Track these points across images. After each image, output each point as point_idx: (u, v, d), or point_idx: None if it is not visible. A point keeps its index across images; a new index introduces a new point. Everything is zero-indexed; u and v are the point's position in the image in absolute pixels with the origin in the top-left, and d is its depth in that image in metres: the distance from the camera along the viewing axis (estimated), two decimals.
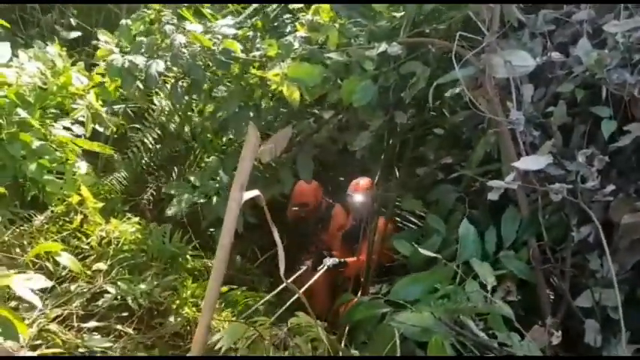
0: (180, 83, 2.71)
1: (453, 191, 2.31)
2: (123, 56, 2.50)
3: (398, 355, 1.63)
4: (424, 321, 1.66)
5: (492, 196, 1.75)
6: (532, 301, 1.87)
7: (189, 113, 3.14)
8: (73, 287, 2.33)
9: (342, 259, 3.20)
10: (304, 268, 3.26)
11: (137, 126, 3.19)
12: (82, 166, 2.56)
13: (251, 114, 2.74)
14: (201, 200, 2.83)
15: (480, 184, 2.31)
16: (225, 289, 2.84)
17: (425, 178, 2.77)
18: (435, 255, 1.73)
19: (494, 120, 1.93)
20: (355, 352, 1.78)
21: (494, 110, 1.88)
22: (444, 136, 2.81)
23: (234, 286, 2.88)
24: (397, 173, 3.01)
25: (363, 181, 3.42)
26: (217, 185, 2.84)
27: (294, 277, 3.06)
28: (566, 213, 1.84)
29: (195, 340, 1.56)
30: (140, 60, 2.48)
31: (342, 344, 2.00)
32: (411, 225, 3.54)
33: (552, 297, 1.91)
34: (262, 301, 2.64)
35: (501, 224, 1.89)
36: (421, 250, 1.75)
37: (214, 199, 2.79)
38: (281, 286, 2.70)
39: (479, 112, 1.86)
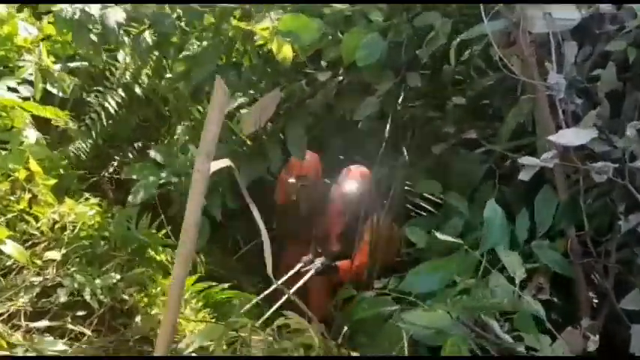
0: (144, 36, 2.68)
1: (480, 163, 2.30)
2: (72, 5, 2.47)
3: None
4: (439, 321, 1.68)
5: (524, 175, 1.76)
6: (568, 301, 1.89)
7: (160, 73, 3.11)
8: (19, 280, 2.33)
9: (334, 264, 3.23)
10: (300, 265, 3.29)
11: (98, 88, 3.16)
12: (31, 135, 2.54)
13: (231, 75, 2.73)
14: (172, 180, 2.82)
15: (510, 162, 2.32)
16: (202, 285, 2.86)
17: (442, 156, 2.77)
18: (456, 240, 1.73)
19: (529, 85, 1.92)
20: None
21: (529, 73, 1.87)
22: (467, 105, 2.80)
23: (213, 283, 2.89)
24: (405, 151, 3.00)
25: (357, 170, 3.44)
26: (187, 162, 2.83)
27: (288, 275, 3.10)
28: (612, 198, 1.85)
29: (158, 342, 1.59)
30: (95, 9, 2.46)
31: (341, 348, 2.02)
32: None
33: (593, 297, 1.92)
34: (253, 302, 2.65)
35: (535, 208, 1.89)
36: (439, 236, 1.75)
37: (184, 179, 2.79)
38: (272, 287, 2.74)
39: (511, 75, 1.85)
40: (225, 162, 1.62)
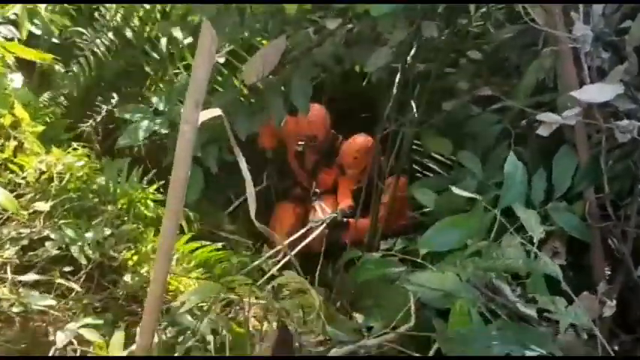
0: None
1: (495, 123, 2.31)
2: None
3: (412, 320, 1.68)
4: (447, 283, 1.71)
5: (543, 131, 1.76)
6: (583, 266, 1.92)
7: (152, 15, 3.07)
8: (5, 232, 2.35)
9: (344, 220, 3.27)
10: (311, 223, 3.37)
11: (84, 31, 3.12)
12: (16, 79, 2.53)
13: (233, 21, 2.69)
14: (164, 130, 2.81)
15: (527, 121, 2.32)
16: (194, 244, 2.89)
17: (454, 114, 2.77)
18: (473, 196, 1.75)
19: (552, 37, 1.91)
20: (359, 320, 1.84)
21: (553, 23, 1.86)
22: (483, 59, 2.79)
23: (206, 242, 2.92)
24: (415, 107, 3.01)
25: (361, 139, 3.48)
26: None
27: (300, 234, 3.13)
28: (635, 160, 1.87)
29: (148, 300, 1.62)
30: None
31: (345, 311, 2.06)
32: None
33: (609, 262, 1.95)
34: (257, 262, 2.66)
35: (553, 169, 1.91)
36: (456, 190, 1.76)
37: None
38: (274, 250, 2.77)
39: (533, 25, 1.84)
40: (215, 112, 1.63)
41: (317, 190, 3.81)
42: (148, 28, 3.15)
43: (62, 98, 3.14)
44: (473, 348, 1.38)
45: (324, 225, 3.39)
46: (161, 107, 2.83)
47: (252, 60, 2.72)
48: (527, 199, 1.85)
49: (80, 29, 3.08)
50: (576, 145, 1.91)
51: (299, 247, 2.96)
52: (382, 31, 2.43)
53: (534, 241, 1.61)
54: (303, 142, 3.64)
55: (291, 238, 3.06)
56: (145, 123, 2.71)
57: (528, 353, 1.38)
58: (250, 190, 1.61)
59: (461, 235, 1.74)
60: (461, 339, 1.41)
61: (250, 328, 2.13)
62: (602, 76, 1.84)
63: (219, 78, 3.06)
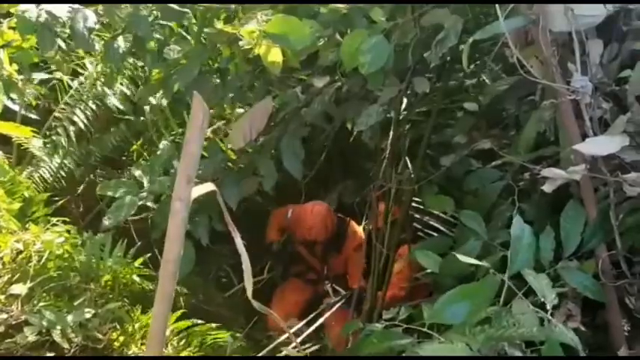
0: (118, 41, 2.69)
1: (497, 179, 2.33)
2: (38, 6, 2.47)
3: None
4: (457, 354, 1.68)
5: (548, 187, 1.78)
6: (600, 328, 1.90)
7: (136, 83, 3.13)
8: None
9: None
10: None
11: (65, 101, 3.17)
12: None
13: (215, 82, 2.73)
14: (150, 203, 2.81)
15: (530, 175, 2.35)
16: (186, 323, 2.86)
17: (453, 170, 2.80)
18: (480, 263, 1.74)
19: (550, 89, 1.95)
20: None
21: (550, 75, 1.90)
22: (480, 112, 2.84)
23: (199, 321, 2.89)
24: (409, 164, 3.05)
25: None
26: (170, 182, 2.83)
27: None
28: None
29: None
30: (62, 11, 2.46)
31: None
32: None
33: (627, 323, 1.94)
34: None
35: (561, 226, 1.91)
36: (461, 258, 1.76)
37: (166, 200, 2.78)
38: (283, 336, 2.75)
39: (530, 77, 1.88)
40: (208, 187, 1.64)
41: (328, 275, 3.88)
42: (129, 94, 3.20)
43: (42, 172, 3.16)
44: None
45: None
46: (145, 181, 2.84)
47: (238, 123, 2.75)
48: (536, 260, 1.85)
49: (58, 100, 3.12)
50: (583, 200, 1.92)
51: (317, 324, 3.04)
52: (372, 88, 2.47)
53: (547, 307, 1.60)
54: (302, 247, 3.78)
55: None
56: (129, 199, 2.71)
57: None
58: (247, 267, 1.60)
59: (471, 305, 1.72)
60: None
61: None
62: (605, 127, 1.86)
63: (205, 143, 3.09)
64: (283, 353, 2.38)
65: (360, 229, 3.79)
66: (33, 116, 3.00)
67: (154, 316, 1.55)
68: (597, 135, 1.83)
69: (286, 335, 2.59)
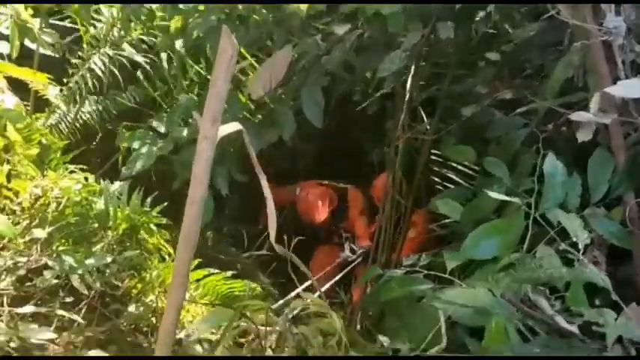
0: None
1: (521, 126, 2.27)
2: None
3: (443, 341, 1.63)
4: (480, 299, 1.66)
5: (582, 136, 1.72)
6: (620, 284, 1.86)
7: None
8: (1, 260, 2.32)
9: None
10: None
11: (83, 48, 3.11)
12: (8, 100, 2.51)
13: (236, 31, 2.67)
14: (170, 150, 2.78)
15: (555, 123, 2.29)
16: (202, 272, 2.86)
17: (474, 120, 2.74)
18: (511, 199, 1.70)
19: (580, 31, 1.88)
20: (385, 342, 1.78)
21: (581, 16, 1.83)
22: (503, 60, 2.77)
23: (215, 270, 2.89)
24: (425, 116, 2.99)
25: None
26: (190, 130, 2.80)
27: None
28: None
29: (161, 330, 1.57)
30: None
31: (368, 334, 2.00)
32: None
33: None
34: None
35: (588, 172, 1.86)
36: (492, 194, 1.71)
37: (186, 149, 2.76)
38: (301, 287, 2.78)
39: (562, 18, 1.81)
40: (234, 126, 1.60)
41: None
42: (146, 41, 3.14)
43: (59, 120, 3.13)
44: None
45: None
46: (162, 130, 2.81)
47: (258, 73, 2.71)
48: (562, 206, 1.81)
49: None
50: (612, 146, 1.87)
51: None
52: (395, 31, 2.40)
53: (580, 247, 1.56)
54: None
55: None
56: (147, 149, 2.68)
57: None
58: (271, 209, 1.56)
59: (503, 240, 1.69)
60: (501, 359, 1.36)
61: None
62: (638, 71, 1.81)
63: None
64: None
65: (360, 195, 3.96)
66: (51, 60, 2.94)
67: (177, 258, 1.53)
68: (629, 78, 1.78)
69: (303, 287, 2.57)
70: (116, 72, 3.12)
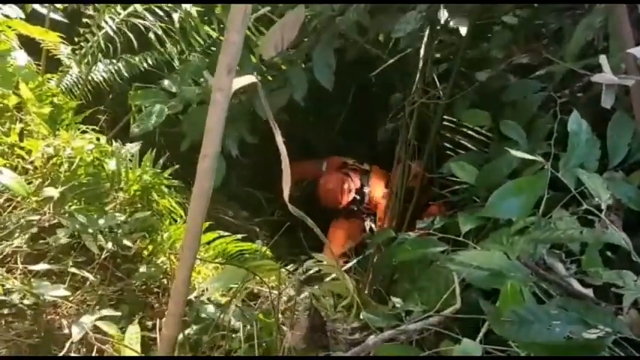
0: None
1: (538, 90, 2.22)
2: None
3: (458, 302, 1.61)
4: (494, 262, 1.63)
5: (606, 102, 1.67)
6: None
7: None
8: (14, 219, 2.31)
9: None
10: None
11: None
12: (20, 57, 2.48)
13: None
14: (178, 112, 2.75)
15: (572, 88, 2.24)
16: (212, 234, 2.85)
17: (489, 85, 2.69)
18: (535, 158, 1.66)
19: None
20: (398, 304, 1.77)
21: None
22: (519, 25, 2.70)
23: (225, 233, 2.88)
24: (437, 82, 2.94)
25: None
26: (201, 90, 2.76)
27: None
28: None
29: (174, 287, 1.56)
30: None
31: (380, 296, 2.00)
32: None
33: None
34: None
35: (607, 136, 1.82)
36: (515, 153, 1.67)
37: (196, 109, 2.72)
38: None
39: None
40: (249, 78, 1.57)
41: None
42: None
43: (71, 79, 3.09)
44: (531, 329, 1.31)
45: None
46: (174, 89, 2.77)
47: (269, 33, 2.65)
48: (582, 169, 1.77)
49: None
50: (634, 109, 1.82)
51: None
52: None
53: (602, 207, 1.53)
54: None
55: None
56: (158, 107, 2.64)
57: (591, 333, 1.31)
58: (286, 166, 1.53)
59: (527, 199, 1.65)
60: (517, 320, 1.34)
61: (279, 317, 2.07)
62: None
63: None
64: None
65: (383, 175, 4.00)
66: (61, 19, 2.89)
67: (191, 212, 1.50)
68: None
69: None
70: (129, 34, 3.06)
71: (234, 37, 1.37)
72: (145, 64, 3.27)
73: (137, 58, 3.30)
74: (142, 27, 3.14)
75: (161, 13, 3.06)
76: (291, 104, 2.75)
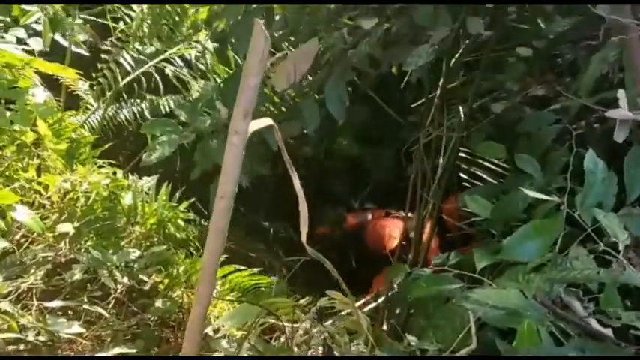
0: None
1: (553, 122, 2.20)
2: None
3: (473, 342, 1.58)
4: (510, 300, 1.60)
5: (619, 136, 1.65)
6: None
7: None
8: (30, 255, 2.32)
9: None
10: None
11: (112, 42, 3.11)
12: (39, 94, 2.51)
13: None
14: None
15: (587, 120, 2.22)
16: (229, 268, 2.84)
17: (504, 117, 2.67)
18: (551, 199, 1.64)
19: (617, 26, 1.81)
20: (413, 341, 1.74)
21: (618, 10, 1.76)
22: (534, 57, 2.69)
23: (241, 267, 2.87)
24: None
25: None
26: (213, 121, 2.77)
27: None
28: None
29: (189, 324, 1.55)
30: None
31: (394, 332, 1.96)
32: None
33: None
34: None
35: (624, 171, 1.79)
36: (529, 193, 1.65)
37: (210, 140, 2.73)
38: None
39: (598, 12, 1.75)
40: (266, 121, 1.57)
41: None
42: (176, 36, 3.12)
43: (90, 115, 3.13)
44: None
45: None
46: (183, 119, 2.78)
47: (282, 65, 2.67)
48: (598, 207, 1.73)
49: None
50: None
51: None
52: (421, 24, 2.34)
53: (619, 248, 1.50)
54: None
55: None
56: (170, 137, 2.65)
57: None
58: (303, 209, 1.53)
59: (544, 241, 1.63)
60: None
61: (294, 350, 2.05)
62: None
63: None
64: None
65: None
66: (84, 52, 2.94)
67: (206, 252, 1.50)
68: None
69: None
70: (155, 74, 3.10)
71: (251, 81, 1.37)
72: (168, 107, 3.31)
73: (161, 100, 3.34)
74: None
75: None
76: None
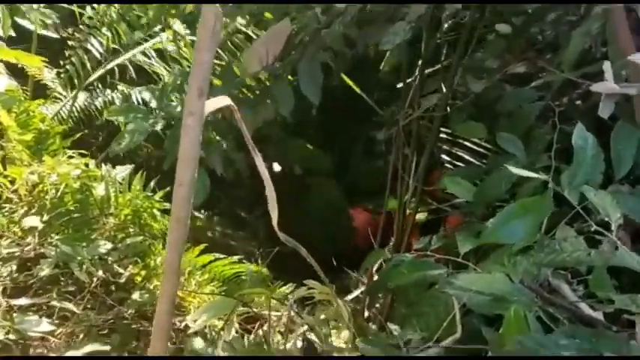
0: None
1: (536, 99, 2.10)
2: None
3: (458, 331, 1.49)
4: (496, 285, 1.50)
5: (604, 112, 1.55)
6: None
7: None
8: None
9: None
10: None
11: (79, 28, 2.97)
12: (1, 82, 2.39)
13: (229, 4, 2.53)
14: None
15: (570, 97, 2.13)
16: (207, 257, 2.76)
17: (484, 94, 2.57)
18: (539, 176, 1.54)
19: None
20: (396, 330, 1.65)
21: None
22: (514, 33, 2.59)
23: (220, 255, 2.79)
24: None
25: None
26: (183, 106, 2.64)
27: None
28: None
29: (156, 321, 1.46)
30: None
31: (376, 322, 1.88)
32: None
33: None
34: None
35: (611, 147, 1.69)
36: (515, 170, 1.54)
37: (178, 126, 2.60)
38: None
39: None
40: (223, 100, 1.47)
41: None
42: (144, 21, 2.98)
43: (57, 104, 3.00)
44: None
45: None
46: (153, 104, 2.65)
47: (253, 47, 2.55)
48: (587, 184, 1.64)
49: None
50: (636, 118, 1.70)
51: None
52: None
53: (612, 227, 1.40)
54: None
55: None
56: (140, 124, 2.51)
57: None
58: (271, 194, 1.43)
59: (533, 221, 1.52)
60: (522, 349, 1.21)
61: (272, 347, 1.96)
62: None
63: (217, 68, 2.88)
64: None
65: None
66: (52, 36, 2.79)
67: (169, 243, 1.42)
68: None
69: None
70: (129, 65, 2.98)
71: (203, 57, 1.27)
72: (140, 97, 3.18)
73: (133, 91, 3.21)
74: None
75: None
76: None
